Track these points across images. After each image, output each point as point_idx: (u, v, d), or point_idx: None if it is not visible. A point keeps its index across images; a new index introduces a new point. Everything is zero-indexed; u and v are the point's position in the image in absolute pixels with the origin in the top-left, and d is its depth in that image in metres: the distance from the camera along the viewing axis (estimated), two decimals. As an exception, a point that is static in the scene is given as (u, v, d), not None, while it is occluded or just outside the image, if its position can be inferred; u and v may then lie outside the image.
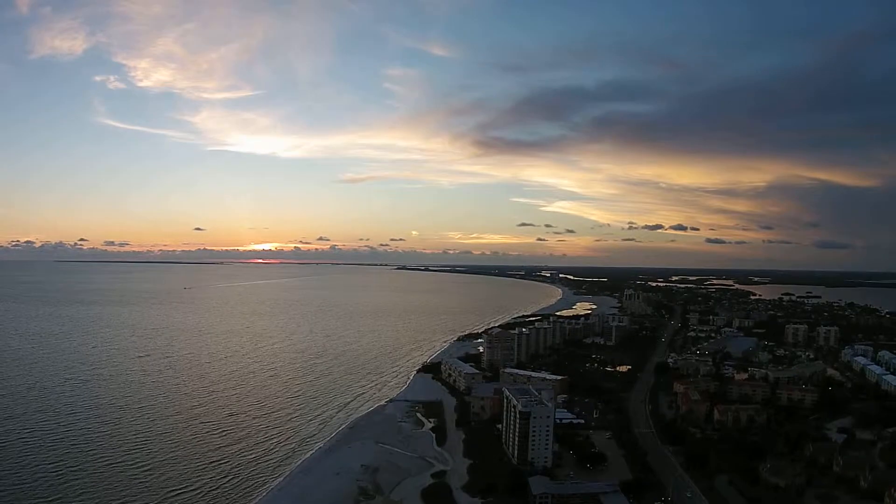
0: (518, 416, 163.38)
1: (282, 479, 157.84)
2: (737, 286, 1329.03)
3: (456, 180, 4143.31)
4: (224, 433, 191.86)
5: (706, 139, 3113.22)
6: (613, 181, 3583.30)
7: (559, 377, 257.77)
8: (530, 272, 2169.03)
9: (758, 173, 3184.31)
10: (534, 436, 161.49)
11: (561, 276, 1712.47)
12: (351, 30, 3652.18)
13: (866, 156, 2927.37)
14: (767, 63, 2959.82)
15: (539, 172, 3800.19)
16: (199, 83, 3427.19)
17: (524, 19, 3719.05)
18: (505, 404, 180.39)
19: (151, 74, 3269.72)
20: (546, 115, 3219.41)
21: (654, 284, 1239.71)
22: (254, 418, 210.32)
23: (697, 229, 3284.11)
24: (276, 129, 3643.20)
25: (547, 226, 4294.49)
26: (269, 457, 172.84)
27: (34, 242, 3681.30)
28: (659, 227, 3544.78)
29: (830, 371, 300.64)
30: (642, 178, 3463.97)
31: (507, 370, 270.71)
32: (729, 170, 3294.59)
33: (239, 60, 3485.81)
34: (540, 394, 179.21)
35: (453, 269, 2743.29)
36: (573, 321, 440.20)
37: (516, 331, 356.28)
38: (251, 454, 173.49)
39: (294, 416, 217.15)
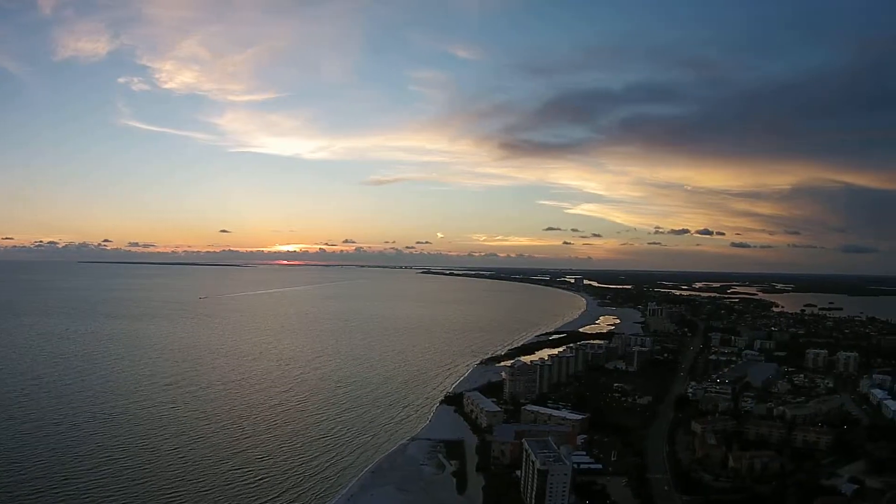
0: (536, 473, 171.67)
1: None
2: (760, 295, 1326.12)
3: (482, 182, 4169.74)
4: (260, 483, 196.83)
5: (733, 141, 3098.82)
6: (640, 184, 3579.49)
7: (579, 416, 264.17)
8: (555, 277, 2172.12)
9: (783, 176, 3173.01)
10: (551, 492, 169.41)
11: (585, 281, 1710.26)
12: (376, 32, 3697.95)
13: (893, 158, 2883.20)
14: (794, 65, 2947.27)
15: (565, 175, 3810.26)
16: (225, 85, 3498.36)
17: (550, 21, 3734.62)
18: (524, 456, 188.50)
19: (176, 76, 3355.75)
20: (573, 117, 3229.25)
21: (678, 293, 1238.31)
22: (287, 462, 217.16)
23: (723, 233, 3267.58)
24: (301, 131, 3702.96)
25: (573, 230, 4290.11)
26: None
27: (57, 243, 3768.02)
28: (685, 231, 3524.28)
29: (848, 405, 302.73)
30: (668, 180, 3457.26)
31: (528, 408, 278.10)
32: (754, 172, 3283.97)
33: (264, 63, 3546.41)
34: (559, 449, 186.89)
35: (477, 274, 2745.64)
36: (595, 346, 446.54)
37: (538, 361, 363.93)
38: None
39: (331, 458, 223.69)
